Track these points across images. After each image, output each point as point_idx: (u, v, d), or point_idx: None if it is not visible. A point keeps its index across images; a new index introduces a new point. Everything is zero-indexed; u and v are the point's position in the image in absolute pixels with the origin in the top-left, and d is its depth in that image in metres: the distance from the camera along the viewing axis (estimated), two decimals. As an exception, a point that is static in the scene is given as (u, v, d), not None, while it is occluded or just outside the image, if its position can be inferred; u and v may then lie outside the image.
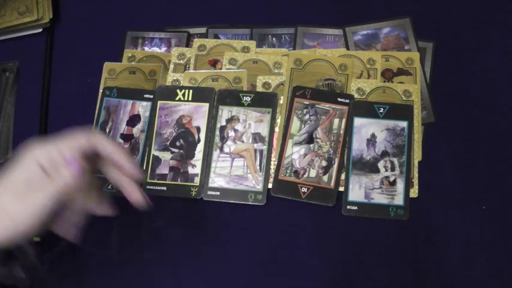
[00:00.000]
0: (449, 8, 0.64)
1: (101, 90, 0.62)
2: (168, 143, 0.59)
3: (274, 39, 0.64)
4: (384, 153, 0.57)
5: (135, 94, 0.61)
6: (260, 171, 0.57)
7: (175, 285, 0.56)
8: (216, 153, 0.58)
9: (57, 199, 0.38)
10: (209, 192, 0.57)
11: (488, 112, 0.59)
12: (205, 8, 0.67)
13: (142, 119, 0.61)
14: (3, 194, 0.37)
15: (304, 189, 0.56)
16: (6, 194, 0.37)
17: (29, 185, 0.37)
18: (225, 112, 0.59)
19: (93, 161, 0.41)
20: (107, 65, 0.64)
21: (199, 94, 0.60)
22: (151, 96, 0.61)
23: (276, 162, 0.58)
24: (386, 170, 0.57)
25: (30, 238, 0.41)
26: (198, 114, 0.60)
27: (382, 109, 0.58)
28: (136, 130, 0.60)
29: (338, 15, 0.64)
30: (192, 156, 0.59)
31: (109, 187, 0.59)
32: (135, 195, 0.43)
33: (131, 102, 0.61)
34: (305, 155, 0.58)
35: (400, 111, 0.58)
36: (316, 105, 0.59)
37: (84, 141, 0.40)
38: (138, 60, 0.64)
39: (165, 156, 0.59)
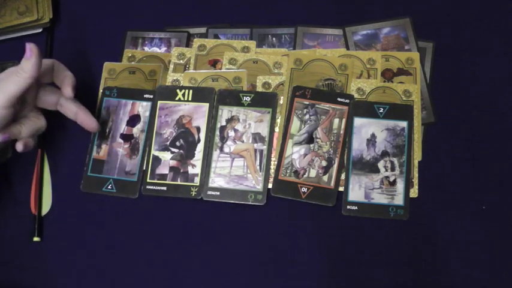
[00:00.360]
0: (449, 8, 0.64)
1: (101, 90, 0.62)
2: (168, 143, 0.59)
3: (274, 39, 0.64)
4: (384, 153, 0.57)
5: (135, 94, 0.61)
6: (260, 171, 0.57)
7: (176, 285, 0.56)
8: (216, 153, 0.58)
9: (22, 85, 0.49)
10: (209, 192, 0.57)
11: (488, 112, 0.59)
12: (205, 8, 0.67)
13: (142, 119, 0.61)
14: None
15: (304, 189, 0.56)
16: None
17: (1, 82, 0.49)
18: (225, 112, 0.59)
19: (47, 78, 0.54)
20: (107, 65, 0.64)
21: (199, 94, 0.60)
22: (151, 96, 0.61)
23: (276, 162, 0.58)
24: (387, 170, 0.57)
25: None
26: (198, 114, 0.60)
27: (382, 109, 0.58)
28: (136, 130, 0.60)
29: (338, 15, 0.64)
30: (192, 156, 0.59)
31: (109, 187, 0.59)
32: (89, 121, 0.56)
33: (131, 102, 0.61)
34: (305, 155, 0.58)
35: (400, 111, 0.58)
36: (316, 105, 0.59)
37: (47, 60, 0.54)
38: (138, 60, 0.64)
39: (165, 156, 0.59)
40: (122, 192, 0.58)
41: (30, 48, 0.48)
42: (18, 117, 0.52)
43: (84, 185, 0.59)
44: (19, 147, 0.52)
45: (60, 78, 0.54)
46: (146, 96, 0.61)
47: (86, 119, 0.56)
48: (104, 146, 0.60)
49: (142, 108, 0.61)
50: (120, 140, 0.60)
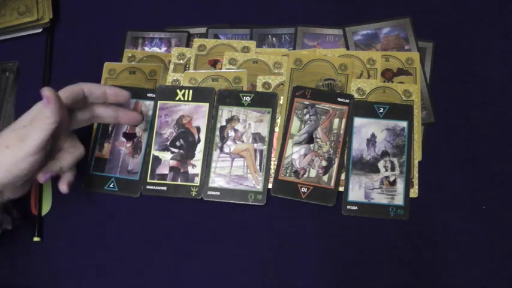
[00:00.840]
0: (449, 8, 0.64)
1: (101, 90, 0.62)
2: (168, 143, 0.59)
3: (274, 39, 0.64)
4: (384, 153, 0.57)
5: (138, 93, 0.61)
6: (260, 171, 0.57)
7: (176, 285, 0.56)
8: (216, 153, 0.58)
9: (48, 131, 0.46)
10: (209, 192, 0.57)
11: (488, 112, 0.59)
12: (205, 8, 0.67)
13: (145, 118, 0.60)
14: (9, 135, 0.47)
15: (304, 189, 0.56)
16: (12, 134, 0.47)
17: (27, 126, 0.47)
18: (225, 112, 0.59)
19: (83, 104, 0.52)
20: (107, 65, 0.64)
21: (199, 94, 0.60)
22: (154, 96, 0.61)
23: (276, 162, 0.58)
24: (387, 170, 0.57)
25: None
26: (198, 114, 0.60)
27: (382, 109, 0.58)
28: (138, 129, 0.60)
29: (338, 15, 0.64)
30: (192, 156, 0.59)
31: (110, 186, 0.59)
32: (132, 116, 0.56)
33: (134, 101, 0.61)
34: (305, 155, 0.58)
35: (400, 111, 0.58)
36: (316, 105, 0.59)
37: (74, 87, 0.50)
38: (138, 60, 0.64)
39: (165, 156, 0.59)
40: (123, 191, 0.58)
41: (47, 96, 0.46)
42: (53, 152, 0.50)
43: (86, 183, 0.59)
44: (63, 189, 0.50)
45: (101, 95, 0.52)
46: (149, 95, 0.61)
47: (128, 117, 0.56)
48: (106, 145, 0.60)
49: (145, 107, 0.61)
50: (123, 139, 0.60)
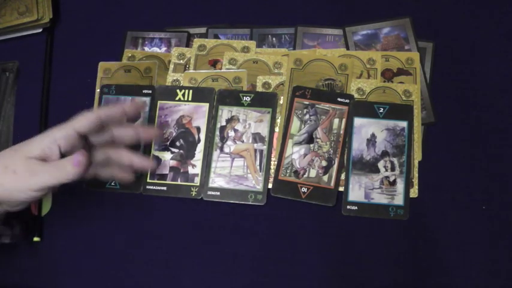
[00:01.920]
0: (449, 8, 0.64)
1: (97, 90, 0.62)
2: (168, 143, 0.59)
3: (274, 39, 0.64)
4: (384, 153, 0.57)
5: (134, 90, 0.61)
6: (260, 171, 0.57)
7: (176, 285, 0.56)
8: (216, 153, 0.58)
9: (57, 182, 0.45)
10: (209, 192, 0.57)
11: (488, 112, 0.59)
12: (205, 8, 0.67)
13: (142, 114, 0.60)
14: (20, 161, 0.45)
15: (304, 189, 0.56)
16: (24, 162, 0.44)
17: (43, 164, 0.45)
18: (225, 112, 0.59)
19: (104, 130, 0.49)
20: (102, 65, 0.64)
21: (199, 94, 0.60)
22: (150, 92, 0.61)
23: (276, 162, 0.58)
24: (386, 170, 0.57)
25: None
26: (198, 114, 0.60)
27: (382, 109, 0.58)
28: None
29: (338, 15, 0.64)
30: (192, 156, 0.59)
31: (112, 184, 0.59)
32: (152, 132, 0.54)
33: (130, 98, 0.61)
34: (305, 155, 0.58)
35: (400, 111, 0.58)
36: (316, 105, 0.59)
37: (83, 120, 0.46)
38: (138, 60, 0.64)
39: (165, 156, 0.59)
40: (125, 188, 0.58)
41: (79, 162, 0.44)
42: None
43: (88, 182, 0.59)
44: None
45: (121, 115, 0.50)
46: (145, 91, 0.61)
47: (149, 133, 0.53)
48: (104, 145, 0.60)
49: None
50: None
